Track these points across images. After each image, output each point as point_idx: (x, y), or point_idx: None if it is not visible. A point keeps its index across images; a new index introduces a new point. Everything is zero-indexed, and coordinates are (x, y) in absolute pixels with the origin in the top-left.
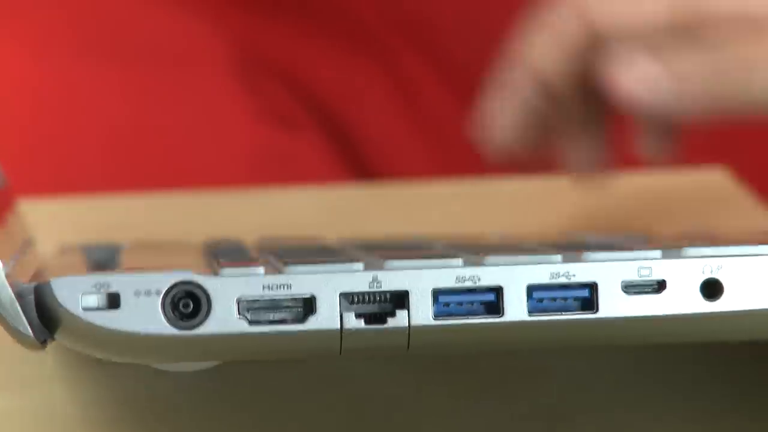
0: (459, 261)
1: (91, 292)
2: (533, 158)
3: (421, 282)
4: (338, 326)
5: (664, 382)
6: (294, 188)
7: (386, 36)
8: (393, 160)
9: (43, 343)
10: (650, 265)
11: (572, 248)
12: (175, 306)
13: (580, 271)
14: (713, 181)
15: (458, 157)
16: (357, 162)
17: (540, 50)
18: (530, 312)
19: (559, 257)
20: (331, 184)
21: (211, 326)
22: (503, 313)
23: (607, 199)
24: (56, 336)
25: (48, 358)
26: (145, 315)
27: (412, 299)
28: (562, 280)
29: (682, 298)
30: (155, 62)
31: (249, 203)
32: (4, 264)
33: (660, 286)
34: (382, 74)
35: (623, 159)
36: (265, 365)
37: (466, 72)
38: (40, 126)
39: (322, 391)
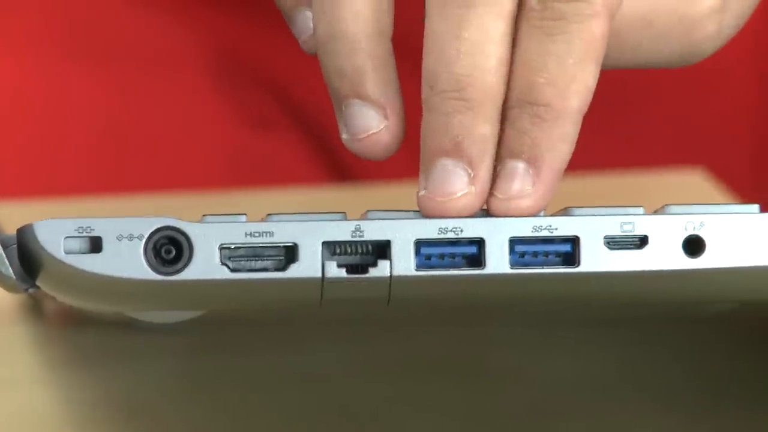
0: None
1: (73, 236)
2: None
3: (403, 232)
4: (320, 275)
5: (651, 383)
6: (274, 190)
7: None
8: (372, 162)
9: (26, 290)
10: (633, 220)
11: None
12: (157, 251)
13: (562, 225)
14: (691, 181)
15: None
16: (336, 164)
17: None
18: (512, 265)
19: (541, 211)
20: (311, 185)
21: (192, 272)
22: (485, 266)
23: (585, 199)
24: (38, 281)
25: (29, 360)
26: (126, 259)
27: (394, 249)
28: (545, 233)
29: (664, 254)
30: (133, 64)
31: (229, 205)
32: None
33: (642, 241)
34: None
35: (601, 160)
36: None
37: None
38: (18, 128)
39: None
